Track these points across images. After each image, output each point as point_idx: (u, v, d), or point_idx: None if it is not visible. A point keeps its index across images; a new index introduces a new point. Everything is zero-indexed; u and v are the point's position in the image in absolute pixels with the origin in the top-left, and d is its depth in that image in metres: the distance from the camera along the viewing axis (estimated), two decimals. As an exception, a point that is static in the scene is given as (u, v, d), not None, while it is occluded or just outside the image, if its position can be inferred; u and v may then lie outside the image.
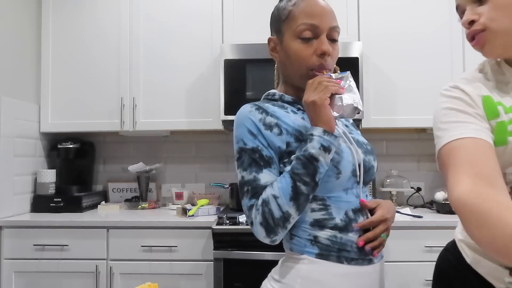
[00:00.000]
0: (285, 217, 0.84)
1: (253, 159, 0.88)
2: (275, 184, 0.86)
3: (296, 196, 0.84)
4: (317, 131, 0.85)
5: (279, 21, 0.98)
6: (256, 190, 0.87)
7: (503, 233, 0.60)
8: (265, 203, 0.85)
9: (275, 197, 0.84)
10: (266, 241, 0.87)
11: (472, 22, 0.81)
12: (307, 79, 0.93)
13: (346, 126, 1.04)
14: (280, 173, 0.91)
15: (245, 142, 0.90)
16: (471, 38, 0.83)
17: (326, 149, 0.84)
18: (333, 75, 0.90)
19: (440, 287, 0.98)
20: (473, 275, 0.87)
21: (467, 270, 0.89)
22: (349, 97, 0.87)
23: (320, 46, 0.92)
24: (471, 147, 0.72)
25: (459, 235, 0.95)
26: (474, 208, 0.65)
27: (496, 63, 0.87)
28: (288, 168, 0.87)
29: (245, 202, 0.89)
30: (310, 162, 0.84)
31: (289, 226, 0.86)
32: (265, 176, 0.87)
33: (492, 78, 0.85)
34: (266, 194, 0.85)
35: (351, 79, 0.90)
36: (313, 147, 0.84)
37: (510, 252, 0.60)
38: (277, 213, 0.84)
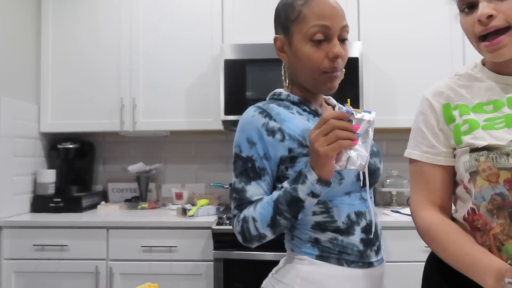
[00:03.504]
0: (261, 236, 0.88)
1: (245, 168, 0.90)
2: (258, 207, 0.87)
3: (273, 225, 0.86)
4: (312, 177, 0.81)
5: (287, 20, 0.94)
6: (241, 202, 0.90)
7: (449, 255, 0.83)
8: (245, 220, 0.88)
9: (254, 219, 0.87)
10: (244, 244, 0.93)
11: (490, 17, 0.79)
12: (319, 82, 0.92)
13: None
14: (278, 178, 0.92)
15: (241, 149, 0.90)
16: (484, 37, 0.82)
17: (314, 195, 0.83)
18: (356, 114, 0.79)
19: (431, 286, 0.98)
20: (462, 275, 0.87)
21: (455, 271, 0.89)
22: (357, 156, 0.78)
23: (332, 50, 0.89)
24: (428, 176, 0.92)
25: None
26: (436, 238, 0.87)
27: (479, 64, 0.93)
28: (276, 194, 0.86)
29: (232, 207, 0.93)
30: (295, 203, 0.84)
31: (265, 241, 0.91)
32: (252, 189, 0.89)
33: (470, 79, 0.92)
34: (248, 212, 0.88)
35: (373, 124, 0.80)
36: (302, 191, 0.82)
37: (455, 264, 0.82)
38: (253, 232, 0.88)
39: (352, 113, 0.79)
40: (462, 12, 0.86)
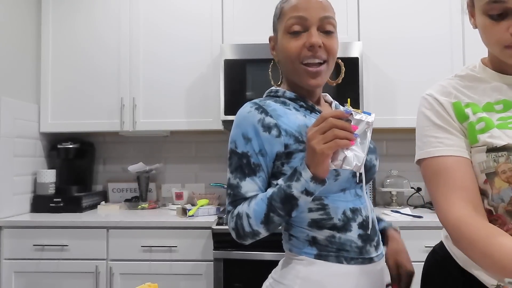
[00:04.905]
0: (254, 233, 0.88)
1: (240, 164, 0.90)
2: (252, 204, 0.87)
3: (267, 222, 0.86)
4: (306, 175, 0.81)
5: (275, 20, 0.99)
6: (236, 198, 0.90)
7: (490, 259, 0.73)
8: (239, 217, 0.88)
9: (248, 216, 0.87)
10: (238, 241, 0.92)
11: None
12: (300, 74, 0.92)
13: None
14: (273, 174, 0.92)
15: (237, 145, 0.90)
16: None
17: (308, 193, 0.82)
18: (355, 114, 0.78)
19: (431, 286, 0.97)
20: (462, 275, 0.87)
21: (456, 271, 0.89)
22: (353, 157, 0.77)
23: (309, 39, 0.90)
24: (455, 170, 0.83)
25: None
26: (467, 235, 0.77)
27: (480, 65, 0.92)
28: (270, 191, 0.87)
29: (227, 203, 0.93)
30: (289, 200, 0.83)
31: (259, 238, 0.90)
32: (246, 185, 0.89)
33: (472, 79, 0.90)
34: (242, 209, 0.88)
35: (371, 126, 0.79)
36: (296, 188, 0.82)
37: (496, 271, 0.73)
38: (247, 229, 0.88)
39: (352, 113, 0.78)
40: (486, 15, 0.81)
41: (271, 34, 1.03)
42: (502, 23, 0.79)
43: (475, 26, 0.88)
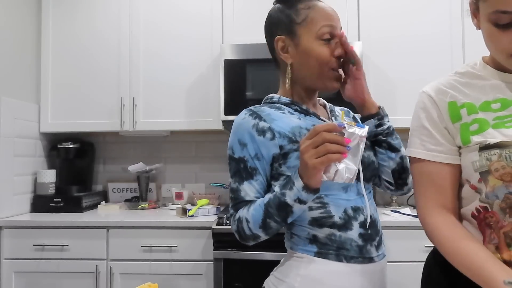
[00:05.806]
0: (255, 236, 0.92)
1: (238, 169, 0.94)
2: (251, 209, 0.90)
3: (264, 227, 0.89)
4: (298, 184, 0.83)
5: (292, 23, 0.96)
6: (237, 201, 0.94)
7: (458, 263, 0.83)
8: (239, 221, 0.92)
9: (247, 220, 0.90)
10: (242, 242, 0.96)
11: None
12: (327, 78, 0.96)
13: None
14: (273, 176, 0.94)
15: (234, 151, 0.94)
16: None
17: (301, 201, 0.84)
18: (348, 127, 0.80)
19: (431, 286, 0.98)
20: (462, 275, 0.87)
21: (456, 271, 0.89)
22: (345, 169, 0.80)
23: (337, 50, 0.96)
24: (435, 176, 0.89)
25: None
26: (439, 238, 0.87)
27: (480, 63, 0.92)
28: (267, 198, 0.89)
29: (230, 207, 0.97)
30: (284, 208, 0.86)
31: (260, 240, 0.94)
32: (245, 188, 0.93)
33: (471, 76, 0.91)
34: (242, 213, 0.91)
35: (364, 138, 0.81)
36: (289, 196, 0.84)
37: (462, 270, 0.81)
38: (247, 232, 0.91)
39: (345, 127, 0.80)
40: (492, 23, 0.80)
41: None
42: (509, 33, 0.79)
43: (479, 27, 0.87)
